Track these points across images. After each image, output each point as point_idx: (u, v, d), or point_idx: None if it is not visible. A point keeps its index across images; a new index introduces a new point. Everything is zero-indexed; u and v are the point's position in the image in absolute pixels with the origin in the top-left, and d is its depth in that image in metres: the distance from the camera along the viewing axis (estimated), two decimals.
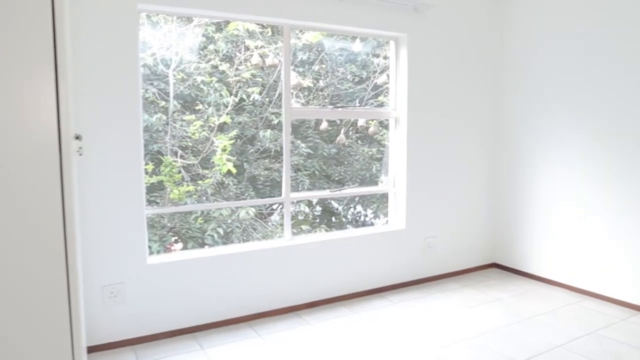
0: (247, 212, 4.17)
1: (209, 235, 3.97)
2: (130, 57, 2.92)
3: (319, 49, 4.39)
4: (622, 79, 3.63)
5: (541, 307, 3.68)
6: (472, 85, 4.43)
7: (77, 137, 2.31)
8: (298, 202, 4.59)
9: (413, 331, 3.27)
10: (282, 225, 3.77)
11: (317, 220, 4.86)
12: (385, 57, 4.28)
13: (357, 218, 5.01)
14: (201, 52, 3.93)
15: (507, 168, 4.57)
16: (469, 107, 4.43)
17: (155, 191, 3.69)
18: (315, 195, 4.27)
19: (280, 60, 3.72)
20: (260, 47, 4.06)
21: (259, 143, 4.25)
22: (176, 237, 3.91)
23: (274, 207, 4.40)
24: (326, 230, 4.45)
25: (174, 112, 3.79)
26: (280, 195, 3.80)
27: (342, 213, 5.00)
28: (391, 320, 3.45)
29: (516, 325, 3.36)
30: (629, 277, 3.63)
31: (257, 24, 3.91)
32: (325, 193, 4.09)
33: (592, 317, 3.49)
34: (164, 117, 3.73)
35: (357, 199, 4.88)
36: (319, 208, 4.90)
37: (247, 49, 4.07)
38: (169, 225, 3.86)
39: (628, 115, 3.60)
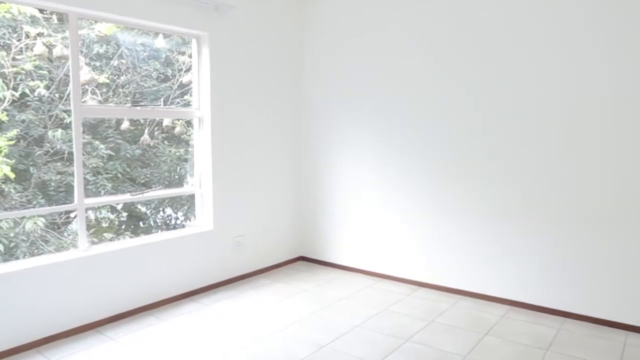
0: (35, 223, 3.68)
1: None
2: None
3: (118, 43, 4.09)
4: (412, 77, 4.11)
5: (343, 293, 4.01)
6: (276, 85, 4.60)
7: None
8: (99, 208, 4.22)
9: (226, 331, 3.26)
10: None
11: (123, 227, 4.53)
12: (190, 56, 4.18)
13: (168, 221, 4.81)
14: None
15: (310, 167, 4.86)
16: (273, 107, 4.59)
17: None
18: (113, 200, 3.95)
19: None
20: (46, 36, 3.61)
21: (48, 144, 3.79)
22: None
23: (72, 215, 3.97)
24: (131, 237, 4.17)
25: None
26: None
27: (150, 217, 4.74)
28: (204, 322, 3.40)
29: (322, 311, 3.60)
30: (412, 258, 4.18)
31: (39, 9, 3.47)
32: (126, 197, 3.82)
33: (384, 296, 3.93)
34: None
35: (166, 201, 4.68)
36: (124, 213, 4.57)
37: (27, 36, 3.58)
38: None
39: (415, 117, 4.09)
